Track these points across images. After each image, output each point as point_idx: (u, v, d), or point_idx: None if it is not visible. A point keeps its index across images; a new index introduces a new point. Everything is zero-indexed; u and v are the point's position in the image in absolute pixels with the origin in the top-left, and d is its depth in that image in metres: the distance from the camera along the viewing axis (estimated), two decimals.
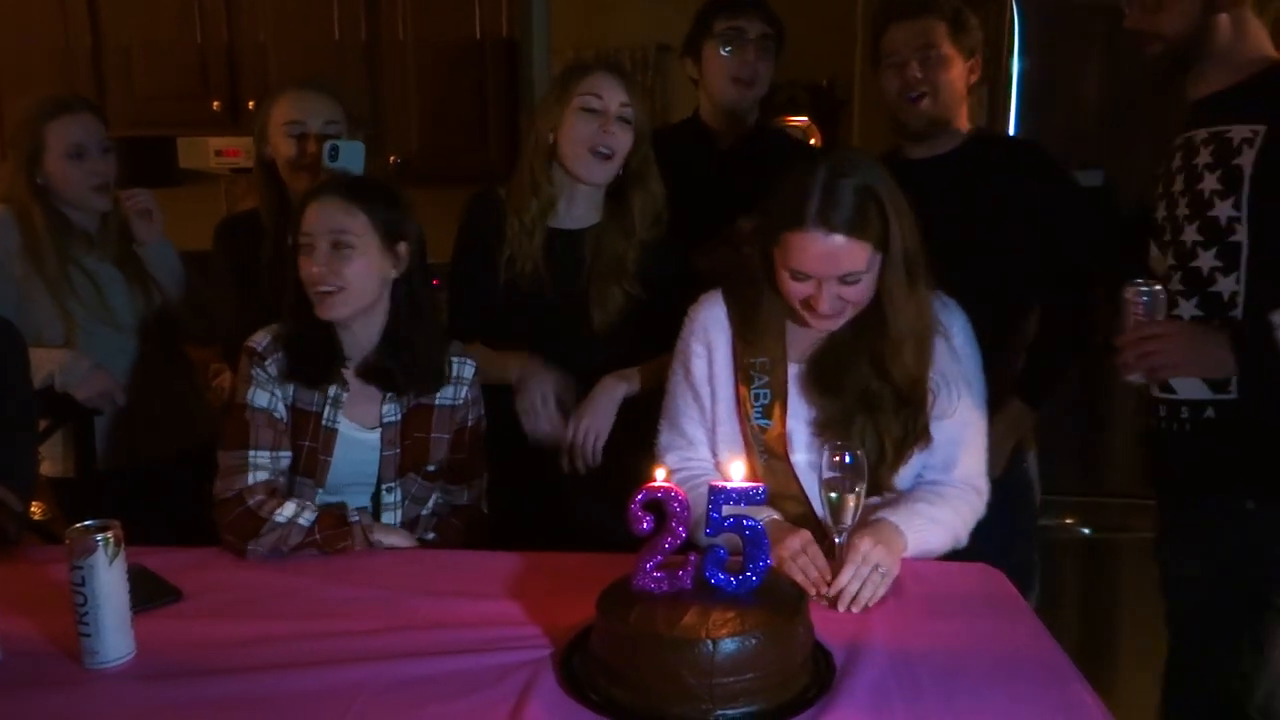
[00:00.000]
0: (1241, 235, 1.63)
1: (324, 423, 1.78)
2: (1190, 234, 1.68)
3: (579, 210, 2.01)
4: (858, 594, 1.44)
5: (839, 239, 1.52)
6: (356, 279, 1.73)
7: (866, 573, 1.45)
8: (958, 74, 1.99)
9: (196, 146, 3.28)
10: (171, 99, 3.17)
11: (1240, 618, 1.70)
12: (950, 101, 2.00)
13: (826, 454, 1.47)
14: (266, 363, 1.76)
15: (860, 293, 1.57)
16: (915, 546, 1.55)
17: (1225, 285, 1.65)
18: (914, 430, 1.62)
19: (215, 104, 3.03)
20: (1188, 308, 1.69)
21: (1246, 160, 1.62)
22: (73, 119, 2.17)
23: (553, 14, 3.55)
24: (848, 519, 1.47)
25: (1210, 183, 1.66)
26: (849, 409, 1.62)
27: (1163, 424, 1.74)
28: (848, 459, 1.46)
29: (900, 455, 1.62)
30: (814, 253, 1.53)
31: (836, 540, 1.48)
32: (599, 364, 1.96)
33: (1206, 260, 1.67)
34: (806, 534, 1.53)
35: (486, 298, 2.00)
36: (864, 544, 1.47)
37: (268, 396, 1.76)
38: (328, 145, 2.07)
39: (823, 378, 1.65)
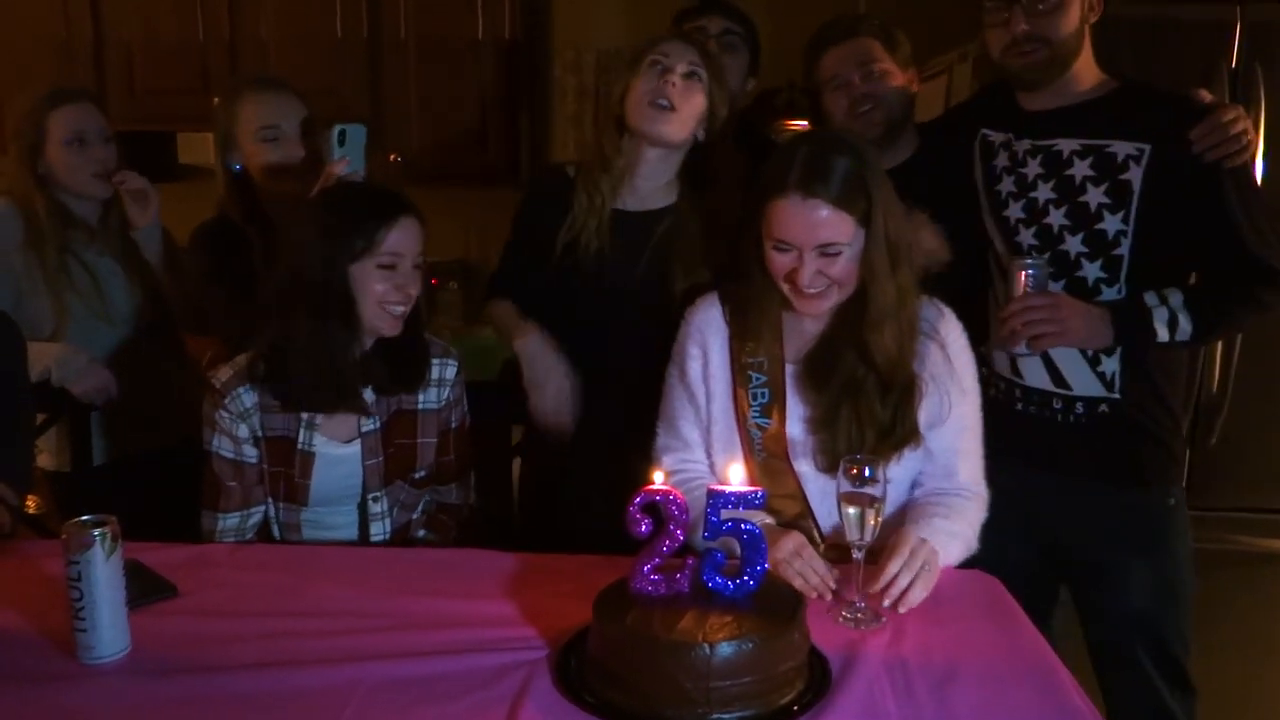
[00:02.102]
0: (1124, 249, 1.77)
1: (300, 447, 1.76)
2: (1073, 245, 1.80)
3: (647, 187, 1.95)
4: (907, 592, 1.43)
5: (820, 206, 1.53)
6: (416, 301, 1.76)
7: (917, 566, 1.45)
8: (899, 85, 2.03)
9: (197, 142, 3.27)
10: (172, 94, 3.17)
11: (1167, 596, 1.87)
12: (897, 112, 2.02)
13: (844, 468, 1.45)
14: (227, 400, 1.74)
15: (842, 269, 1.57)
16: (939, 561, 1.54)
17: (1108, 295, 1.79)
18: (902, 424, 1.62)
19: (216, 100, 3.01)
20: None
21: (1134, 176, 1.75)
22: (74, 107, 2.19)
23: (555, 15, 3.55)
24: (867, 535, 1.44)
25: (1096, 196, 1.77)
26: (835, 400, 1.63)
27: (1059, 416, 1.87)
28: (867, 472, 1.43)
29: (886, 447, 1.61)
30: (795, 220, 1.55)
31: (856, 556, 1.46)
32: (644, 354, 1.84)
33: (1091, 271, 1.80)
34: (799, 536, 1.53)
35: (536, 272, 1.97)
36: (913, 537, 1.48)
37: (231, 442, 1.76)
38: (335, 129, 2.04)
39: (814, 374, 1.66)
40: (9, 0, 3.17)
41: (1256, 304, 1.76)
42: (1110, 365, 1.83)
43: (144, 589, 1.46)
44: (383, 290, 1.71)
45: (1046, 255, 1.82)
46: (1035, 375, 1.89)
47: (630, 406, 1.84)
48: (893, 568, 1.44)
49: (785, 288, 1.61)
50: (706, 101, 1.91)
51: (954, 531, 1.59)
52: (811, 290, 1.59)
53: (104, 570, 1.30)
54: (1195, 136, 1.73)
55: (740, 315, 1.70)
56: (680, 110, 1.87)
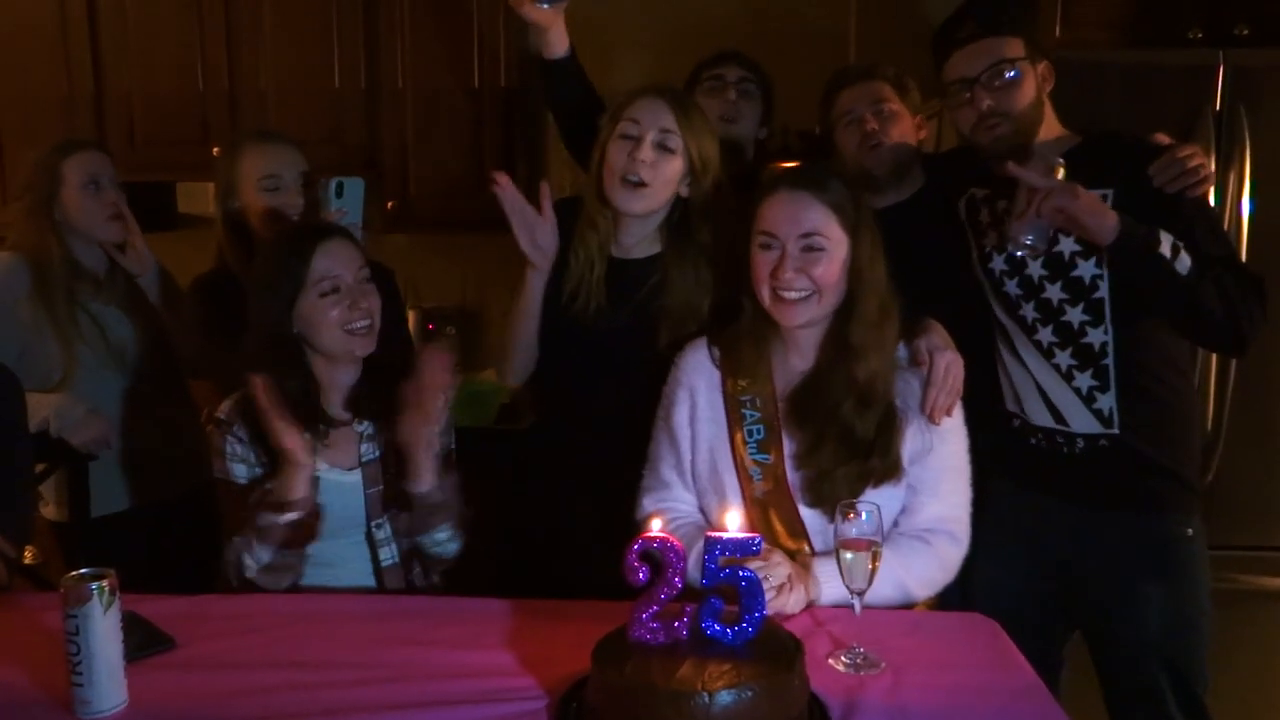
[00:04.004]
0: (1104, 291, 1.83)
1: None
2: (1054, 292, 1.86)
3: (630, 240, 1.95)
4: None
5: (807, 197, 1.62)
6: (378, 311, 1.78)
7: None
8: (908, 127, 2.12)
9: (196, 191, 3.30)
10: (172, 145, 3.19)
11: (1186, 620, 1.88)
12: (906, 151, 2.10)
13: (840, 514, 1.46)
14: (235, 428, 1.76)
15: (824, 271, 1.62)
16: (837, 596, 1.54)
17: (1095, 336, 1.85)
18: (884, 455, 1.63)
19: (215, 150, 3.04)
20: (1063, 358, 1.88)
21: None
22: (87, 154, 2.27)
23: (542, 65, 3.59)
24: (862, 581, 1.45)
25: (1069, 245, 1.83)
26: (819, 431, 1.65)
27: (1064, 449, 1.91)
28: (864, 516, 1.44)
29: (867, 477, 1.62)
30: (781, 208, 1.63)
31: (854, 602, 1.47)
32: (631, 400, 1.86)
33: (1075, 315, 1.85)
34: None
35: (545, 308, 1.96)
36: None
37: (245, 468, 1.77)
38: (333, 181, 2.08)
39: (799, 409, 1.68)
40: (11, 51, 3.21)
41: (1236, 300, 1.74)
42: (1106, 401, 1.86)
43: (141, 641, 1.46)
44: (337, 315, 1.75)
45: (1032, 303, 1.88)
46: (1039, 414, 1.93)
47: (618, 450, 1.85)
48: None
49: (767, 296, 1.65)
50: (684, 162, 1.87)
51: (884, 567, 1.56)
52: (792, 293, 1.62)
53: (102, 624, 1.30)
54: (1154, 171, 1.79)
55: (732, 352, 1.73)
56: (652, 184, 1.85)
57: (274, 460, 1.73)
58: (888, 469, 1.64)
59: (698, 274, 1.89)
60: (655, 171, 1.85)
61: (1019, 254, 1.81)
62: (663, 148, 1.85)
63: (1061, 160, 1.77)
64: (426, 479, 1.76)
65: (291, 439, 1.67)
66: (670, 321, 1.88)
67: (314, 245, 1.76)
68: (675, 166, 1.87)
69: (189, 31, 3.18)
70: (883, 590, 1.57)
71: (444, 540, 1.82)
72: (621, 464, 1.83)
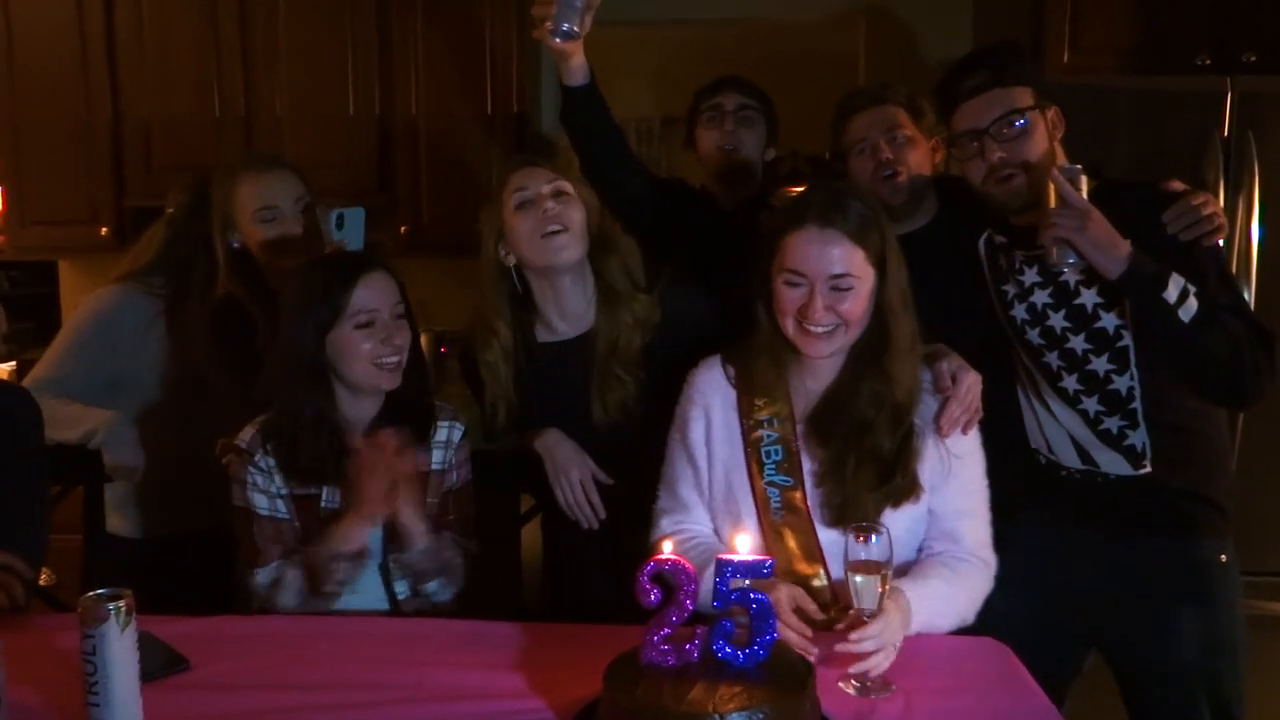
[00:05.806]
0: (1128, 339, 1.81)
1: (324, 504, 1.79)
2: (1078, 343, 1.85)
3: (575, 308, 1.97)
4: (870, 662, 1.41)
5: (836, 236, 1.59)
6: (407, 347, 1.80)
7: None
8: (923, 153, 2.08)
9: None
10: (189, 171, 3.21)
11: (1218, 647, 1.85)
12: (920, 179, 2.07)
13: (850, 537, 1.46)
14: (256, 458, 1.78)
15: (851, 306, 1.60)
16: (923, 624, 1.55)
17: (1121, 383, 1.83)
18: (904, 471, 1.62)
19: (211, 179, 3.08)
20: (1090, 404, 1.85)
21: None
22: None
23: (561, 88, 3.63)
24: (872, 603, 1.45)
25: (1091, 297, 1.82)
26: (841, 450, 1.64)
27: (1098, 479, 1.89)
28: (873, 540, 1.44)
29: (888, 495, 1.62)
30: (810, 249, 1.59)
31: (865, 620, 1.46)
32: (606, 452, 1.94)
33: (1100, 364, 1.84)
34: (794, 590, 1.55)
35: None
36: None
37: (266, 498, 1.78)
38: (333, 214, 2.05)
39: (819, 429, 1.68)
40: (31, 78, 3.26)
41: (1244, 351, 1.73)
42: (1137, 438, 1.84)
43: (156, 662, 1.47)
44: (370, 348, 1.76)
45: (1055, 352, 1.86)
46: (1068, 456, 1.92)
47: (628, 477, 1.88)
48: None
49: (791, 327, 1.63)
50: (582, 206, 1.92)
51: (950, 596, 1.59)
52: (819, 328, 1.61)
53: (118, 644, 1.30)
54: (1168, 218, 1.78)
55: (748, 372, 1.71)
56: (570, 228, 1.88)
57: (319, 482, 1.78)
58: (907, 487, 1.63)
59: (617, 314, 1.94)
60: (567, 216, 1.88)
61: (1064, 270, 1.77)
62: (560, 194, 1.90)
63: (1080, 168, 1.74)
64: (413, 545, 1.78)
65: (380, 497, 1.70)
66: (600, 374, 1.93)
67: (357, 276, 1.77)
68: (578, 210, 1.91)
69: (206, 58, 3.23)
70: (945, 622, 1.59)
71: (434, 591, 1.84)
72: (632, 486, 1.85)
